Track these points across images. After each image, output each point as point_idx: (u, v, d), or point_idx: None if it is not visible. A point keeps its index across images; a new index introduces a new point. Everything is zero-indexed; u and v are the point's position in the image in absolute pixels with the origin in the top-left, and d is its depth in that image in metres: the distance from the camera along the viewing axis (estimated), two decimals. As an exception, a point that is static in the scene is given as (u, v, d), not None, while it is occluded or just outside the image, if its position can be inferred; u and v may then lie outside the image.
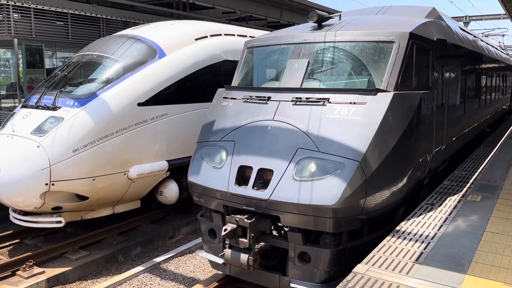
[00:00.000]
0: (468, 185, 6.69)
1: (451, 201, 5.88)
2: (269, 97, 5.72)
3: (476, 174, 7.38)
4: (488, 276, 3.83)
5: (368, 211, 4.93)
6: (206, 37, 9.38)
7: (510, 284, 3.69)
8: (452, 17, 14.08)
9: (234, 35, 10.23)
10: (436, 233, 4.78)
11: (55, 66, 13.62)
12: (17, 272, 6.57)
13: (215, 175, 5.45)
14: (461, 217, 5.28)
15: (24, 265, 6.60)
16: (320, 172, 4.83)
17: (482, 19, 28.88)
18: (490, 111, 12.74)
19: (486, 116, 11.88)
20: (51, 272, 6.64)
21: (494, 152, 9.35)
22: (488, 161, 8.46)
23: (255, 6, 17.08)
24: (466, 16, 28.49)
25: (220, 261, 5.58)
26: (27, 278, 6.42)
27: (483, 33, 31.89)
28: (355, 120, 5.06)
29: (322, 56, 5.86)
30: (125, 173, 7.59)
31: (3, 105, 12.70)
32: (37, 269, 6.63)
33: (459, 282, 3.71)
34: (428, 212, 5.48)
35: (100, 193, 7.39)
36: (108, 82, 7.66)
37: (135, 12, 14.00)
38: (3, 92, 13.09)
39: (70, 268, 6.78)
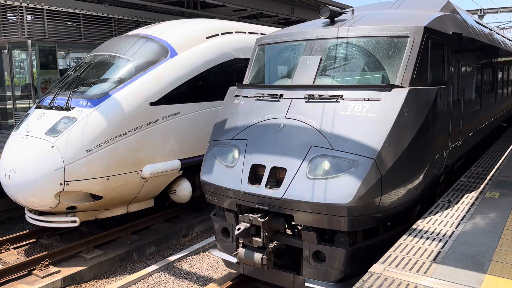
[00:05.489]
0: (485, 181, 6.55)
1: (469, 198, 5.76)
2: (281, 95, 5.67)
3: (494, 170, 7.23)
4: (509, 275, 3.72)
5: (383, 209, 4.85)
6: (217, 35, 9.35)
7: (532, 284, 3.59)
8: (467, 10, 13.82)
9: (245, 32, 10.18)
10: (453, 232, 4.68)
11: (68, 67, 13.74)
12: (33, 272, 6.65)
13: (228, 174, 5.42)
14: (479, 215, 5.17)
15: (40, 265, 6.67)
16: (334, 170, 4.76)
17: (497, 12, 28.35)
18: (507, 106, 12.49)
19: (503, 111, 11.65)
20: (67, 271, 6.70)
21: (512, 148, 9.16)
22: (506, 157, 8.28)
23: (266, 3, 16.99)
24: (481, 9, 28.01)
25: (234, 260, 5.56)
26: (43, 277, 6.49)
27: (498, 26, 31.35)
28: (369, 117, 4.97)
29: (335, 52, 5.77)
30: (139, 173, 7.61)
31: (17, 105, 12.85)
32: (53, 268, 6.70)
33: (479, 282, 3.62)
34: (445, 209, 5.38)
35: (114, 193, 7.42)
36: (121, 82, 7.68)
37: (147, 12, 14.05)
38: (18, 93, 13.24)
39: (85, 267, 6.83)
